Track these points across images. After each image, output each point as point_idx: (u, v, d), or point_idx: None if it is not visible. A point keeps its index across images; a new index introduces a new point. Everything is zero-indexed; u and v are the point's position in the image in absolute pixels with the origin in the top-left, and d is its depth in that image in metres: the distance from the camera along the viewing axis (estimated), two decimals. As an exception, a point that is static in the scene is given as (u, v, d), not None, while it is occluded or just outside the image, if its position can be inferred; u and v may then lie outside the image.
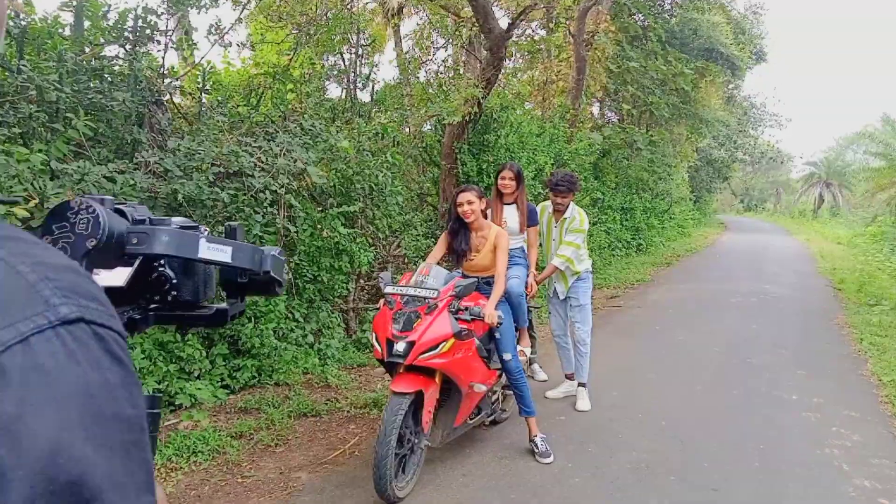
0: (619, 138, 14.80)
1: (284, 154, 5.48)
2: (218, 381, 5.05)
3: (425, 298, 3.71)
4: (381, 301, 3.88)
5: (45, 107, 4.55)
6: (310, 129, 6.16)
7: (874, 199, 24.48)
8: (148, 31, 5.89)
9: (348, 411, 4.99)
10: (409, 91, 11.43)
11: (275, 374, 5.39)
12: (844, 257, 17.91)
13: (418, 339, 3.52)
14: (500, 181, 4.96)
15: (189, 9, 6.49)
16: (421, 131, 9.55)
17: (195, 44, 6.95)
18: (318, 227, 5.86)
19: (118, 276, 0.82)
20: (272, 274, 0.98)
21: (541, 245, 5.34)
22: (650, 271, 13.57)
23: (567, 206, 5.11)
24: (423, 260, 4.29)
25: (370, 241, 6.94)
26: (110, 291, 0.68)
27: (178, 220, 0.89)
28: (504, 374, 4.29)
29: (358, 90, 10.32)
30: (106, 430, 0.45)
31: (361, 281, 7.04)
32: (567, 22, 13.49)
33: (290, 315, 5.75)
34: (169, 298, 0.87)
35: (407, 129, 9.36)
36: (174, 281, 0.86)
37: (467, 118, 8.27)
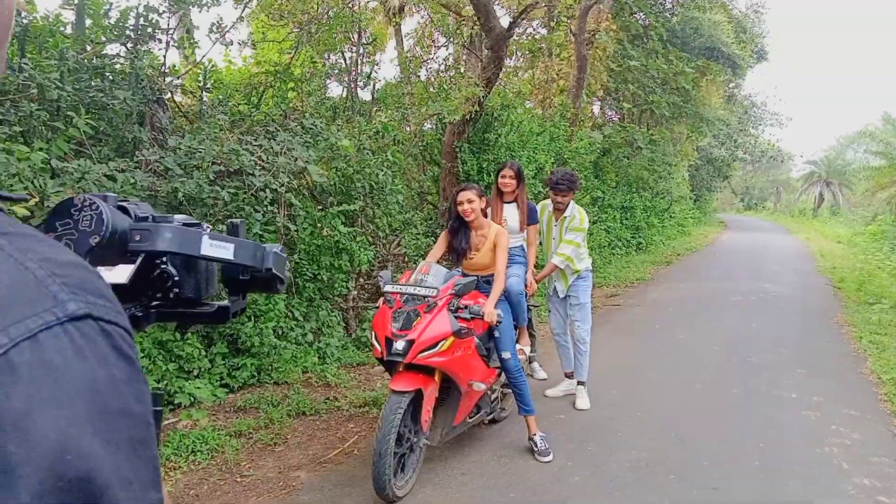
0: (619, 137, 14.81)
1: (285, 153, 5.49)
2: (217, 380, 5.05)
3: (425, 297, 3.71)
4: (381, 300, 3.88)
5: (46, 105, 4.56)
6: (310, 128, 6.16)
7: (874, 198, 24.47)
8: (149, 30, 5.90)
9: (347, 410, 4.99)
10: (409, 90, 11.43)
11: (274, 372, 5.39)
12: (844, 256, 17.91)
13: (417, 338, 3.53)
14: (500, 180, 4.96)
15: (190, 7, 6.50)
16: (421, 130, 9.54)
17: (196, 42, 6.96)
18: (319, 225, 5.87)
19: (121, 274, 0.82)
20: (274, 271, 0.98)
21: (541, 244, 5.35)
22: (650, 270, 13.57)
23: (567, 205, 5.11)
24: (423, 258, 4.29)
25: (370, 239, 6.94)
26: (113, 288, 0.68)
27: (180, 217, 0.90)
28: (503, 373, 4.29)
29: (359, 89, 10.34)
30: (113, 426, 0.45)
31: (361, 280, 7.04)
32: (568, 21, 13.49)
33: (289, 314, 5.75)
34: (171, 296, 0.87)
35: (407, 128, 9.36)
36: (176, 278, 0.86)
37: (468, 117, 8.27)
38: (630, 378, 6.02)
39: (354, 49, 10.81)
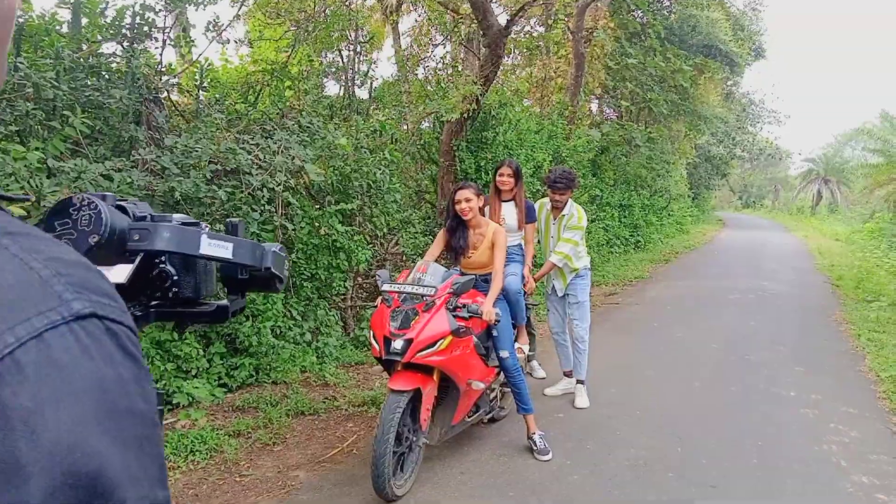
0: (617, 135, 14.79)
1: (282, 151, 5.47)
2: (215, 380, 5.04)
3: (423, 296, 3.70)
4: (379, 299, 3.88)
5: (42, 104, 4.54)
6: (308, 127, 6.14)
7: (872, 196, 24.51)
8: (145, 28, 5.88)
9: (346, 409, 4.98)
10: (407, 88, 11.42)
11: (272, 372, 5.38)
12: (842, 254, 17.93)
13: (416, 337, 3.52)
14: (498, 178, 4.95)
15: (187, 5, 6.48)
16: (419, 128, 9.54)
17: (193, 41, 6.92)
18: (316, 224, 5.86)
19: (119, 273, 0.82)
20: (273, 270, 0.98)
21: (539, 242, 5.34)
22: (648, 268, 13.58)
23: (565, 203, 5.11)
24: (421, 257, 4.28)
25: (368, 238, 6.93)
26: None
27: (178, 216, 0.89)
28: (502, 372, 4.29)
29: (356, 87, 10.34)
30: (120, 424, 0.45)
31: (359, 279, 7.03)
32: (566, 18, 13.47)
33: (287, 313, 5.74)
34: (170, 295, 0.87)
35: (405, 127, 9.35)
36: (175, 277, 0.86)
37: (466, 115, 8.26)
38: (629, 376, 6.02)
39: (351, 47, 10.81)
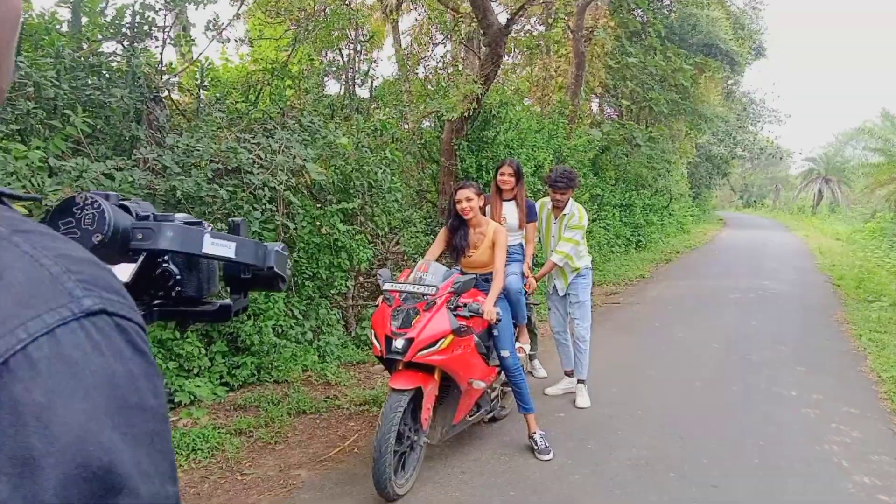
0: (618, 134, 14.80)
1: (283, 151, 5.47)
2: (217, 379, 5.04)
3: (424, 295, 3.70)
4: (380, 298, 3.88)
5: (43, 103, 4.54)
6: (308, 126, 6.14)
7: (873, 195, 24.52)
8: (146, 28, 5.87)
9: (347, 408, 4.98)
10: (407, 87, 11.42)
11: (274, 371, 5.38)
12: (843, 253, 17.93)
13: (417, 336, 3.52)
14: (499, 177, 4.95)
15: (187, 4, 6.47)
16: (420, 128, 9.53)
17: (193, 40, 6.92)
18: (317, 224, 5.86)
19: (123, 272, 0.81)
20: (275, 269, 0.98)
21: (540, 241, 5.34)
22: (649, 268, 13.58)
23: (566, 203, 5.10)
24: (422, 257, 4.28)
25: (369, 237, 6.93)
26: None
27: (181, 216, 0.89)
28: (502, 371, 4.29)
29: (356, 86, 10.33)
30: (131, 419, 0.46)
31: (360, 278, 7.03)
32: (566, 17, 13.48)
33: (289, 312, 5.75)
34: (172, 294, 0.87)
35: (406, 126, 9.35)
36: (178, 277, 0.86)
37: (466, 114, 8.26)
38: (630, 376, 6.02)
39: (352, 46, 10.80)
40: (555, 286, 5.36)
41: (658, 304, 9.72)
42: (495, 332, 4.11)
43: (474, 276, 4.01)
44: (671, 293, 10.74)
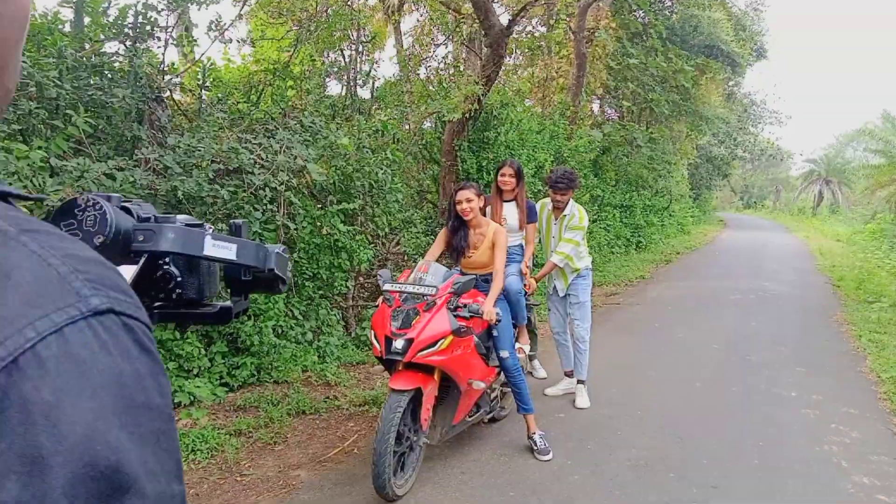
0: (618, 135, 14.79)
1: (284, 151, 5.48)
2: (217, 379, 5.05)
3: (424, 296, 3.71)
4: (380, 298, 3.88)
5: (45, 103, 4.55)
6: (310, 126, 6.15)
7: (874, 197, 24.50)
8: (148, 28, 5.88)
9: (347, 409, 4.99)
10: (409, 88, 11.42)
11: (274, 371, 5.39)
12: (843, 254, 17.92)
13: (417, 337, 3.53)
14: (500, 178, 4.96)
15: (189, 5, 6.48)
16: (421, 128, 9.53)
17: (195, 40, 6.93)
18: (318, 224, 5.86)
19: (124, 274, 0.82)
20: (276, 272, 0.98)
21: (540, 242, 5.35)
22: (650, 268, 13.58)
23: (566, 204, 5.11)
24: (423, 257, 4.29)
25: (370, 238, 6.94)
26: None
27: (182, 217, 0.89)
28: (502, 372, 4.29)
29: (358, 87, 10.33)
30: (137, 418, 0.46)
31: (361, 278, 7.04)
32: (567, 18, 13.47)
33: (289, 313, 5.75)
34: (173, 296, 0.87)
35: (407, 126, 9.35)
36: (179, 279, 0.86)
37: (467, 115, 8.27)
38: (630, 376, 6.03)
39: (353, 47, 10.80)
40: (555, 287, 5.36)
41: (658, 305, 9.72)
42: (495, 333, 4.12)
43: (474, 276, 4.01)
44: (671, 294, 10.74)
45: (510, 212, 4.99)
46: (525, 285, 4.87)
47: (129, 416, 0.45)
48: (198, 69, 6.82)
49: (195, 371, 4.87)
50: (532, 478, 3.94)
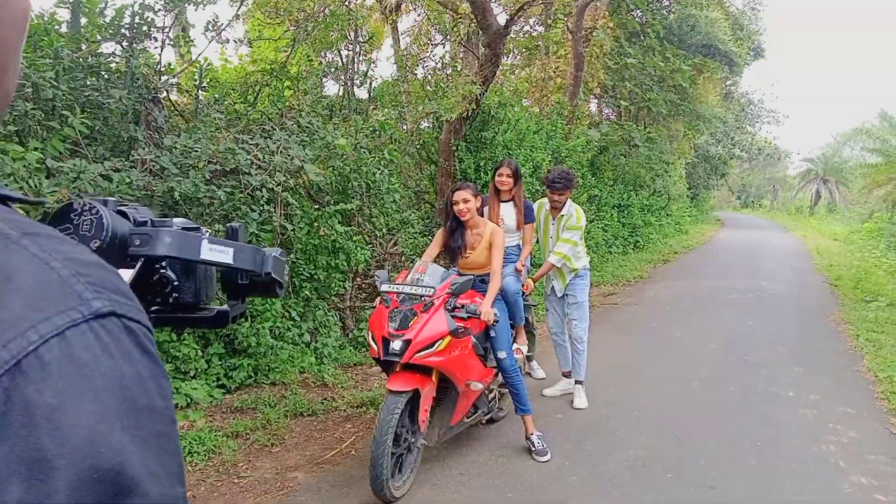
0: (616, 135, 14.80)
1: (281, 152, 5.47)
2: (214, 381, 5.04)
3: (421, 296, 3.71)
4: (378, 299, 3.88)
5: (41, 104, 4.54)
6: (307, 127, 6.14)
7: (871, 196, 24.52)
8: (145, 28, 5.87)
9: (345, 410, 4.98)
10: (406, 88, 11.41)
11: (271, 373, 5.38)
12: (841, 254, 17.95)
13: (414, 338, 3.52)
14: (497, 178, 4.95)
15: (186, 5, 6.47)
16: (418, 128, 9.54)
17: (192, 40, 6.92)
18: (315, 225, 5.85)
19: None
20: (273, 275, 0.98)
21: (538, 242, 5.34)
22: (647, 268, 13.58)
23: (564, 204, 5.10)
24: (420, 258, 4.29)
25: (367, 239, 6.93)
26: None
27: (179, 220, 0.89)
28: (500, 373, 4.29)
29: (355, 87, 10.33)
30: (140, 421, 0.46)
31: (358, 279, 7.03)
32: (565, 18, 13.48)
33: (286, 314, 5.74)
34: (170, 300, 0.87)
35: (404, 127, 9.35)
36: (175, 283, 0.86)
37: (465, 115, 8.26)
38: (627, 377, 6.03)
39: (351, 47, 10.81)
40: (553, 287, 5.36)
41: (656, 305, 9.73)
42: (493, 334, 4.12)
43: (472, 277, 4.01)
44: (669, 294, 10.75)
45: (508, 212, 4.98)
46: (523, 285, 4.87)
47: (131, 419, 0.45)
48: (194, 70, 6.81)
49: (192, 373, 4.86)
50: (530, 479, 3.94)
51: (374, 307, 3.91)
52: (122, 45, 5.83)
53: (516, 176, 4.93)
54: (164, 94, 6.14)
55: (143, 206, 0.89)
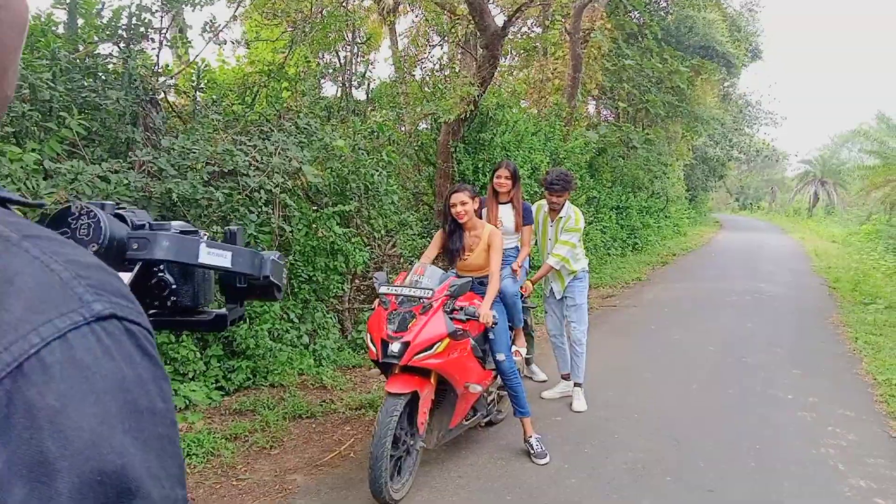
0: (614, 136, 14.82)
1: (279, 153, 5.46)
2: (212, 383, 5.02)
3: (420, 298, 3.70)
4: (376, 301, 3.87)
5: (39, 105, 4.52)
6: (305, 128, 6.13)
7: (869, 198, 24.55)
8: (142, 29, 5.85)
9: (343, 413, 4.97)
10: (404, 89, 11.40)
11: (269, 375, 5.36)
12: (839, 256, 17.97)
13: (413, 340, 3.51)
14: (495, 180, 4.95)
15: (184, 6, 6.46)
16: (417, 130, 9.54)
17: (190, 42, 6.91)
18: (314, 226, 5.84)
19: None
20: (272, 279, 0.97)
21: (536, 244, 5.34)
22: (646, 270, 13.59)
23: (562, 205, 5.10)
24: (419, 259, 4.28)
25: (365, 240, 6.92)
26: None
27: (177, 224, 0.88)
28: (499, 375, 4.28)
29: (353, 88, 10.32)
30: (141, 423, 0.47)
31: (357, 281, 7.02)
32: (563, 19, 13.48)
33: (285, 316, 5.73)
34: (168, 304, 0.86)
35: (402, 128, 9.35)
36: (173, 286, 0.85)
37: (463, 116, 8.26)
38: (626, 379, 6.02)
39: (349, 48, 10.80)
40: (552, 289, 5.36)
41: (654, 307, 9.73)
42: (491, 336, 4.11)
43: (470, 279, 4.00)
44: (667, 296, 10.75)
45: (506, 214, 4.98)
46: (521, 287, 4.86)
47: (132, 421, 0.46)
48: (192, 71, 6.79)
49: (191, 375, 4.85)
50: (529, 481, 3.93)
51: (372, 309, 3.90)
52: (119, 46, 5.82)
53: (514, 178, 4.93)
54: (162, 95, 6.13)
55: (140, 208, 0.88)
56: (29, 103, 4.42)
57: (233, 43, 9.49)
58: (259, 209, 5.24)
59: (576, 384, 5.29)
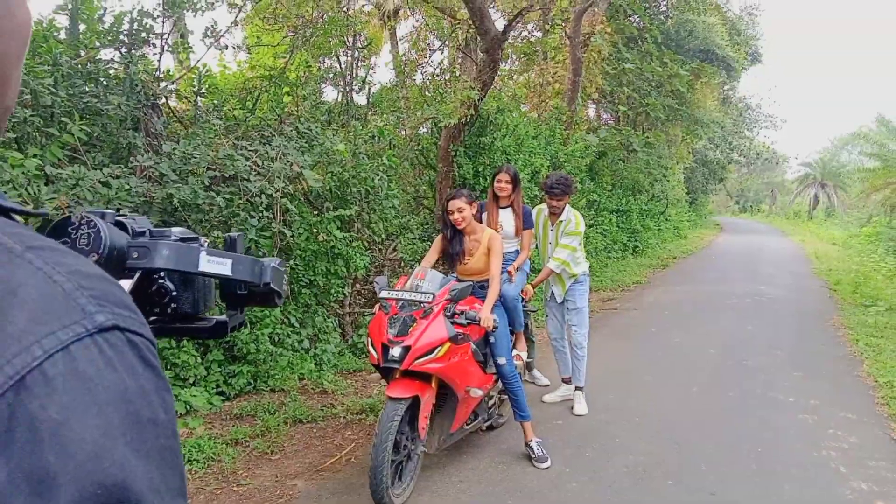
0: (614, 140, 14.83)
1: (280, 158, 5.47)
2: (213, 388, 5.03)
3: (421, 303, 3.70)
4: (377, 305, 3.87)
5: (40, 111, 4.54)
6: (306, 133, 6.15)
7: (869, 200, 24.53)
8: (143, 35, 5.88)
9: (344, 417, 4.97)
10: (405, 94, 11.42)
11: (270, 380, 5.37)
12: (840, 258, 17.95)
13: (414, 344, 3.51)
14: (496, 184, 4.95)
15: (185, 11, 6.48)
16: (417, 134, 9.55)
17: (191, 47, 6.93)
18: (314, 231, 5.85)
19: None
20: (272, 286, 0.97)
21: (537, 248, 5.34)
22: (646, 273, 13.58)
23: (563, 209, 5.10)
24: (420, 263, 4.28)
25: (366, 244, 6.93)
26: None
27: (177, 230, 0.89)
28: (499, 379, 4.28)
29: (354, 93, 10.33)
30: (143, 435, 0.46)
31: (357, 285, 7.02)
32: (563, 24, 13.51)
33: (285, 320, 5.73)
34: (168, 311, 0.87)
35: (403, 132, 9.36)
36: (174, 293, 0.86)
37: (463, 120, 8.27)
38: (627, 382, 6.02)
39: (349, 53, 10.81)
40: (552, 293, 5.36)
41: (655, 310, 9.73)
42: (492, 340, 4.11)
43: (471, 283, 4.00)
44: (668, 299, 10.74)
45: (506, 218, 4.98)
46: (522, 291, 4.87)
47: (135, 433, 0.45)
48: (193, 76, 6.82)
49: (191, 380, 4.85)
50: (530, 485, 3.93)
51: (373, 313, 3.90)
52: (120, 52, 5.84)
53: (515, 182, 4.93)
54: (163, 100, 6.15)
55: (141, 214, 0.89)
56: (30, 109, 4.44)
57: (234, 48, 9.54)
58: (260, 214, 5.24)
59: (577, 388, 5.29)
